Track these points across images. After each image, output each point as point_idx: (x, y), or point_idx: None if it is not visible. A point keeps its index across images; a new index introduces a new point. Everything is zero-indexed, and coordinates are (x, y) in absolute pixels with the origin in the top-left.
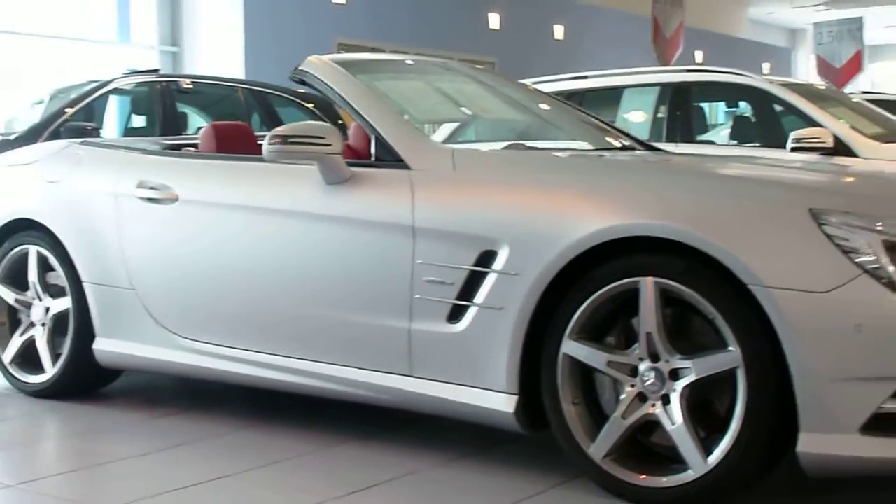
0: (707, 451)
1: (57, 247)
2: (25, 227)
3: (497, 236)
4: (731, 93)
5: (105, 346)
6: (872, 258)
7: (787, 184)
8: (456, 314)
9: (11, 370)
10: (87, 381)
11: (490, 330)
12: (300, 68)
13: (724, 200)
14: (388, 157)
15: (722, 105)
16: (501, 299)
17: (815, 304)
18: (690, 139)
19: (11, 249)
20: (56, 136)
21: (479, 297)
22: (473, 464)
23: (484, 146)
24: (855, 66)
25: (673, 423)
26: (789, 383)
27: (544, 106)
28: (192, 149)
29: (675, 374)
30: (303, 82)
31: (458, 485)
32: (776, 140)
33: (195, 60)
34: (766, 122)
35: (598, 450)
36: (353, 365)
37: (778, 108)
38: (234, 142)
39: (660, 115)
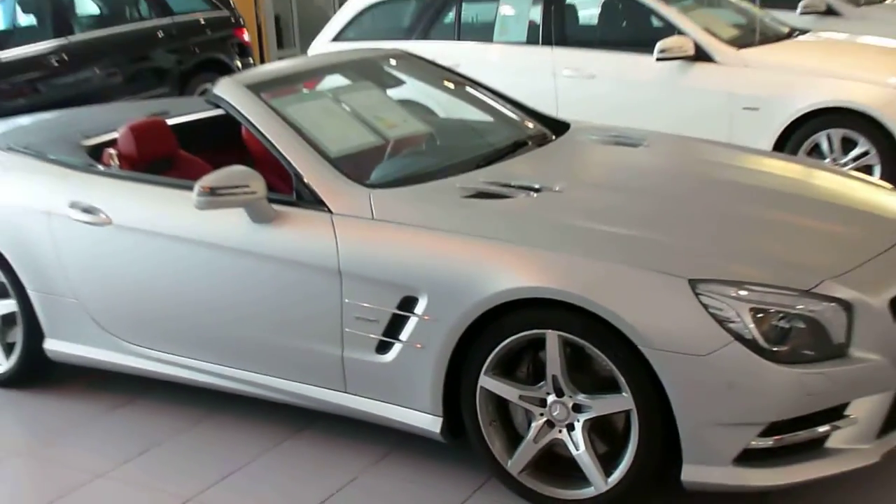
0: (607, 470)
1: None
2: None
3: (417, 285)
4: None
5: (54, 346)
6: (741, 325)
7: (672, 252)
8: (383, 348)
9: None
10: (40, 370)
11: (414, 364)
12: (214, 92)
13: (617, 269)
14: (310, 199)
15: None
16: (423, 339)
17: (696, 365)
18: (564, 42)
19: None
20: None
21: (404, 335)
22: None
23: (399, 189)
24: None
25: (577, 449)
26: (674, 424)
27: (458, 100)
28: (112, 151)
29: (578, 408)
30: (218, 106)
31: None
32: (645, 42)
33: None
34: (634, 23)
35: (514, 466)
36: (291, 379)
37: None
38: (151, 141)
39: (534, 17)
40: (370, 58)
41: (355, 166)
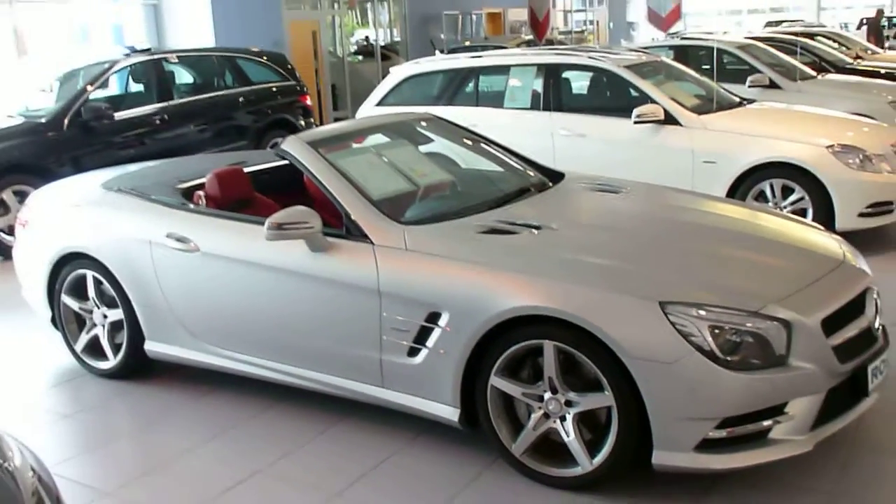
0: (591, 454)
1: (107, 274)
2: (81, 256)
3: (440, 303)
4: (589, 71)
5: (153, 347)
6: (701, 339)
7: (646, 280)
8: (413, 352)
9: (83, 357)
10: (141, 366)
11: (438, 366)
12: (282, 147)
13: (604, 292)
14: (357, 233)
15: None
16: (445, 346)
17: (664, 371)
18: (560, 108)
19: (71, 272)
20: (78, 115)
21: (430, 342)
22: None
23: (427, 225)
24: (675, 14)
25: (568, 436)
26: (647, 418)
27: (475, 154)
28: (201, 193)
29: (569, 403)
30: (285, 158)
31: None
32: (624, 109)
33: (173, 11)
34: (616, 93)
35: (517, 449)
36: (340, 376)
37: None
38: (232, 185)
39: (536, 87)
40: (406, 120)
41: (393, 207)
